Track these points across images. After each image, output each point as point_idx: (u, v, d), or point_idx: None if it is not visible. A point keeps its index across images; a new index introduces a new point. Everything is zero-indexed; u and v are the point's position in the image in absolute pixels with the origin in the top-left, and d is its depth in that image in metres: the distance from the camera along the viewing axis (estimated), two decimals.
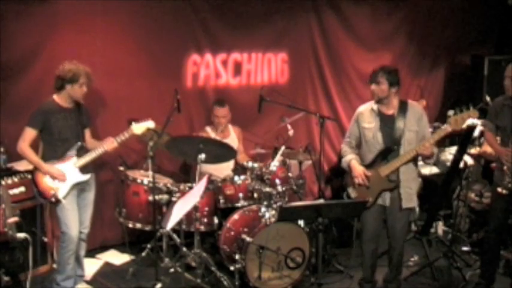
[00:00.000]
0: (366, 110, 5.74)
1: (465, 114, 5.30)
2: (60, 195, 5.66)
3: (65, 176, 5.67)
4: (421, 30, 9.13)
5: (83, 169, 5.77)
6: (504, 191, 5.73)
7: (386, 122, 5.61)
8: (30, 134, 5.60)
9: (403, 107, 5.61)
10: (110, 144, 5.81)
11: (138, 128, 5.94)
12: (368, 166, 5.69)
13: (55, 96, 5.69)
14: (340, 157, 6.08)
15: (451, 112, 5.56)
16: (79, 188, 5.83)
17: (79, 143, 5.77)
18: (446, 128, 5.38)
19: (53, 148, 5.69)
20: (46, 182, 5.65)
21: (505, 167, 5.71)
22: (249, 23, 7.73)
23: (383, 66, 5.65)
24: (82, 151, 5.78)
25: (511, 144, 5.66)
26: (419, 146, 5.46)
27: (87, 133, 5.97)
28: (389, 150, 5.58)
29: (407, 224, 6.08)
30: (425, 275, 6.58)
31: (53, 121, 5.61)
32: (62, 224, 5.73)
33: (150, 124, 6.01)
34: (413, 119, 5.59)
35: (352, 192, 5.82)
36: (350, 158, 5.80)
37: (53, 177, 5.65)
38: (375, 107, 5.66)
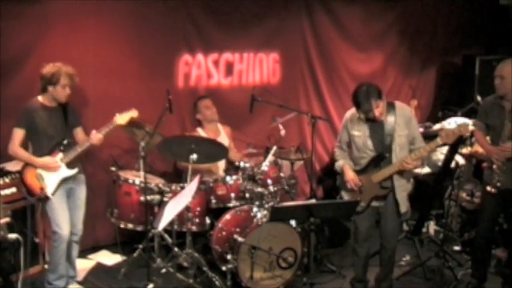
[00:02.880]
0: (354, 116, 5.66)
1: (456, 129, 5.32)
2: (49, 192, 5.69)
3: (58, 164, 5.71)
4: (413, 30, 9.15)
5: (69, 164, 5.79)
6: (493, 190, 5.73)
7: (376, 128, 5.56)
8: (18, 134, 5.66)
9: (390, 110, 5.55)
10: (95, 137, 5.78)
11: (122, 118, 5.91)
12: (361, 172, 5.68)
13: (40, 97, 5.75)
14: (333, 159, 6.09)
15: (438, 126, 5.57)
16: (68, 187, 5.85)
17: (65, 140, 5.78)
18: (437, 142, 5.39)
19: (39, 145, 5.73)
20: (34, 180, 5.68)
21: (494, 166, 5.72)
22: (241, 23, 7.73)
23: (364, 92, 5.35)
24: (68, 147, 5.78)
25: (501, 143, 5.67)
26: (404, 160, 5.44)
27: (79, 132, 5.98)
28: (381, 157, 5.56)
29: (399, 225, 6.09)
30: (417, 275, 6.59)
31: (37, 119, 5.66)
32: (53, 223, 5.75)
33: (133, 113, 5.96)
34: (402, 123, 5.54)
35: (346, 195, 5.83)
36: (343, 163, 5.79)
37: (48, 168, 5.67)
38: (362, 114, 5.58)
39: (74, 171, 5.83)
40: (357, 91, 5.43)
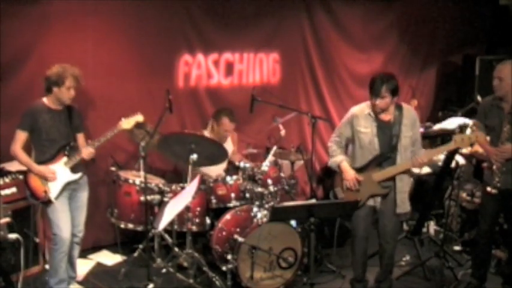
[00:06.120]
0: (362, 113, 5.62)
1: (473, 136, 5.36)
2: (52, 196, 5.64)
3: (55, 175, 5.65)
4: (413, 30, 9.15)
5: (74, 168, 5.75)
6: (493, 191, 5.74)
7: (383, 128, 5.55)
8: (20, 136, 5.59)
9: (399, 112, 5.55)
10: (86, 151, 5.72)
11: (127, 122, 5.89)
12: (360, 169, 5.65)
13: (44, 99, 5.67)
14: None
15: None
16: (70, 188, 5.81)
17: (70, 143, 5.74)
18: (450, 146, 5.44)
19: (42, 149, 5.67)
20: (37, 183, 5.63)
21: (494, 167, 5.72)
22: (241, 23, 7.72)
23: (383, 77, 5.41)
24: (73, 151, 5.73)
25: (500, 144, 5.67)
26: (414, 160, 5.48)
27: (80, 137, 5.91)
28: (385, 157, 5.56)
29: (399, 226, 6.06)
30: (417, 275, 6.60)
31: (40, 122, 5.58)
32: (54, 225, 5.71)
33: (138, 118, 5.94)
34: (409, 125, 5.55)
35: (340, 193, 5.79)
36: (341, 159, 5.72)
37: (44, 177, 5.62)
38: (372, 112, 5.56)
39: (78, 175, 5.79)
40: (377, 74, 5.50)
